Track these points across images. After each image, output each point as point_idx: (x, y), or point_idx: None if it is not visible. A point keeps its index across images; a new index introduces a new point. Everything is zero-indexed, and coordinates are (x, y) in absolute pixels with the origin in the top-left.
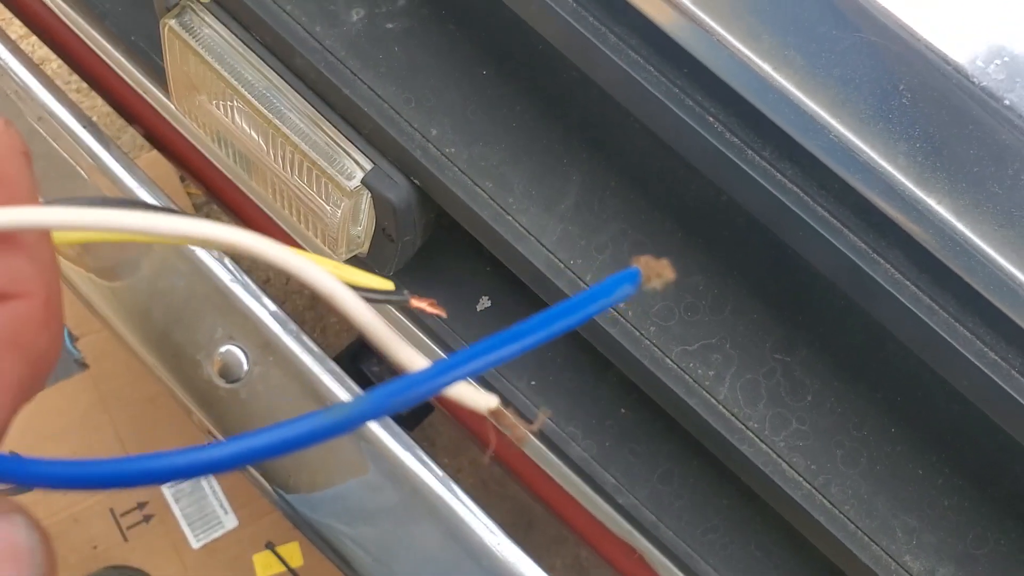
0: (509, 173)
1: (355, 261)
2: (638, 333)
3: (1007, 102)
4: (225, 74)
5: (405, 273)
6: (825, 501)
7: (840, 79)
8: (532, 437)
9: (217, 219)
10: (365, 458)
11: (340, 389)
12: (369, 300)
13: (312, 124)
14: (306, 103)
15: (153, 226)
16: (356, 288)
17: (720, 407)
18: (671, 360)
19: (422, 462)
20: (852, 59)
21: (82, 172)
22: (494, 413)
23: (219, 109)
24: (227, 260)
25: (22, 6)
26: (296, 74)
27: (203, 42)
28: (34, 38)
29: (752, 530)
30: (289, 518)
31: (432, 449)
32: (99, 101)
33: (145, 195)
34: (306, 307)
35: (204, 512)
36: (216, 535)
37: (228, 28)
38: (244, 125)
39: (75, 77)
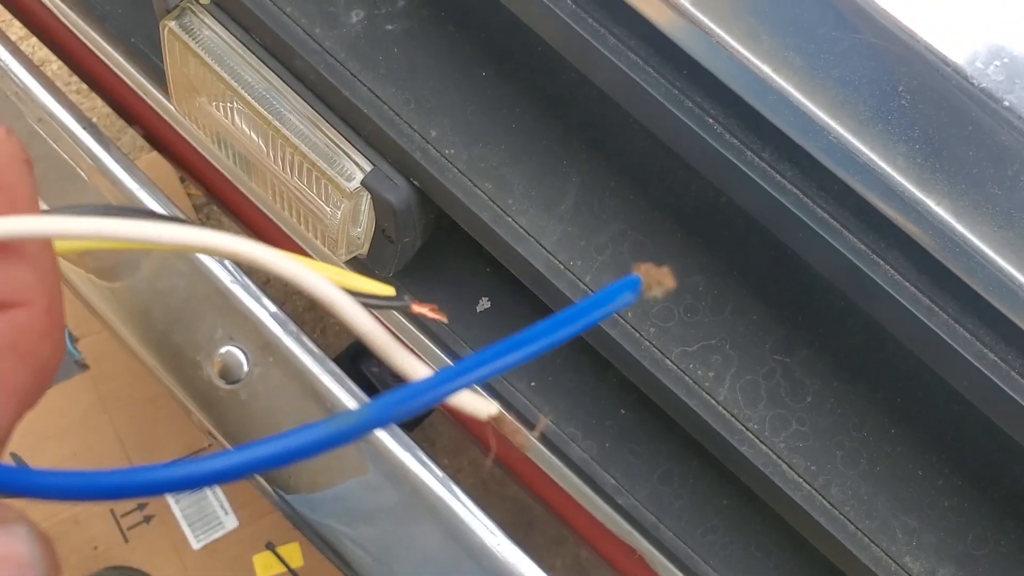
0: (509, 174)
1: (355, 262)
2: (638, 334)
3: (1006, 103)
4: (225, 76)
5: (405, 274)
6: (825, 502)
7: (839, 80)
8: (532, 441)
9: (217, 220)
10: (365, 459)
11: (340, 390)
12: (370, 306)
13: (312, 126)
14: (306, 105)
15: (153, 235)
16: (357, 294)
17: (720, 408)
18: (671, 361)
19: (422, 463)
20: (851, 60)
21: (82, 173)
22: (495, 419)
23: (219, 111)
24: (227, 261)
25: (22, 7)
26: (296, 76)
27: (203, 44)
28: (34, 39)
29: (752, 531)
30: (289, 518)
31: (432, 449)
32: (99, 102)
33: (145, 196)
34: (306, 308)
35: (204, 513)
36: (216, 535)
37: (228, 30)
38: (244, 127)
39: (75, 78)
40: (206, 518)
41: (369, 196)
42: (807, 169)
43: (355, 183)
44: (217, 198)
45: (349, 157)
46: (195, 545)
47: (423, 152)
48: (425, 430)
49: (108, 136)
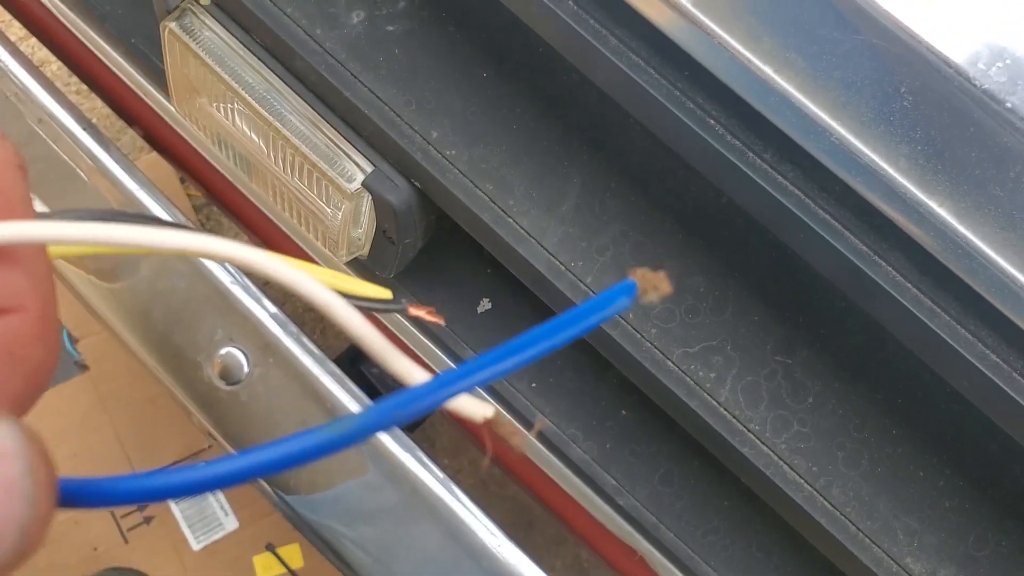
0: (510, 175)
1: (356, 263)
2: (639, 335)
3: (1009, 105)
4: (225, 76)
5: (406, 275)
6: (826, 503)
7: (841, 81)
8: (531, 442)
9: (217, 221)
10: (365, 459)
11: (340, 391)
12: (367, 309)
13: (312, 126)
14: (306, 105)
15: (147, 240)
16: (353, 297)
17: (721, 409)
18: (672, 362)
19: (422, 463)
20: (853, 61)
21: (82, 174)
22: (491, 421)
23: (219, 111)
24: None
25: (22, 8)
26: (296, 76)
27: (203, 44)
28: (33, 40)
29: (753, 531)
30: (289, 519)
31: (432, 450)
32: (99, 103)
33: (145, 197)
34: (306, 309)
35: (204, 514)
36: (216, 536)
37: (228, 30)
38: (244, 127)
39: (74, 79)
40: (206, 519)
41: (370, 197)
42: (809, 170)
43: (356, 184)
44: (217, 199)
45: (350, 158)
46: (195, 546)
47: (424, 153)
48: (425, 430)
49: (108, 137)
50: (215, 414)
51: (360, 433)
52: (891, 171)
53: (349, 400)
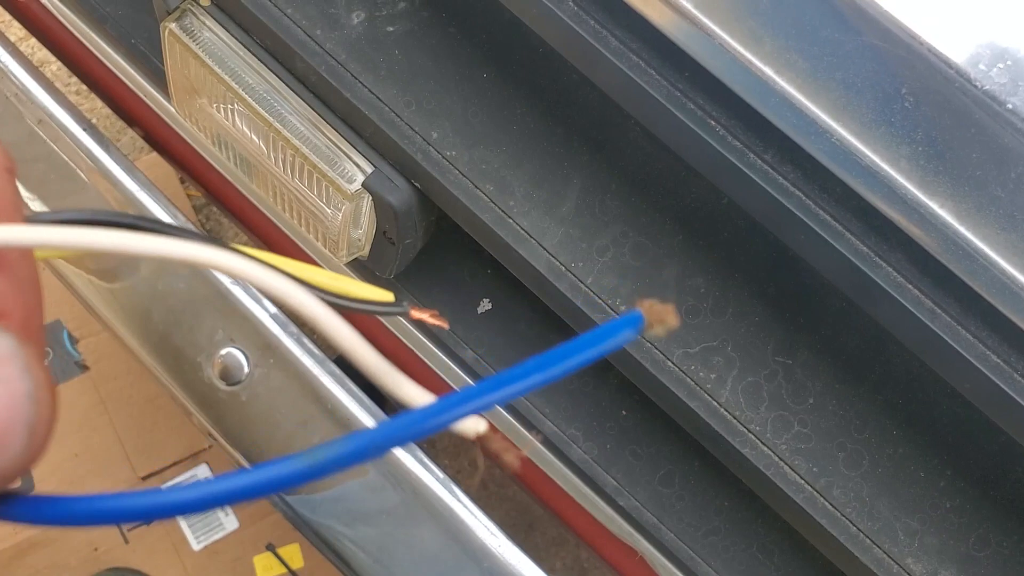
0: (510, 176)
1: (356, 264)
2: (639, 336)
3: (1010, 106)
4: (225, 77)
5: (406, 276)
6: (827, 503)
7: (842, 83)
8: (529, 449)
9: (217, 221)
10: None
11: (340, 391)
12: (368, 312)
13: (313, 127)
14: (307, 106)
15: (132, 246)
16: (355, 300)
17: (722, 410)
18: (672, 363)
19: (422, 463)
20: (854, 63)
21: (82, 174)
22: (483, 438)
23: (219, 112)
24: None
25: (22, 9)
26: (297, 77)
27: (203, 45)
28: (33, 40)
29: (753, 532)
30: (289, 519)
31: (432, 450)
32: (99, 103)
33: (144, 198)
34: None
35: (205, 514)
36: (217, 537)
37: (228, 31)
38: (245, 128)
39: (74, 79)
40: (206, 519)
41: (370, 198)
42: (810, 171)
43: (356, 185)
44: (217, 199)
45: (350, 159)
46: (195, 546)
47: (424, 154)
48: None
49: (108, 137)
50: (215, 414)
51: (340, 463)
52: (892, 172)
53: (349, 401)
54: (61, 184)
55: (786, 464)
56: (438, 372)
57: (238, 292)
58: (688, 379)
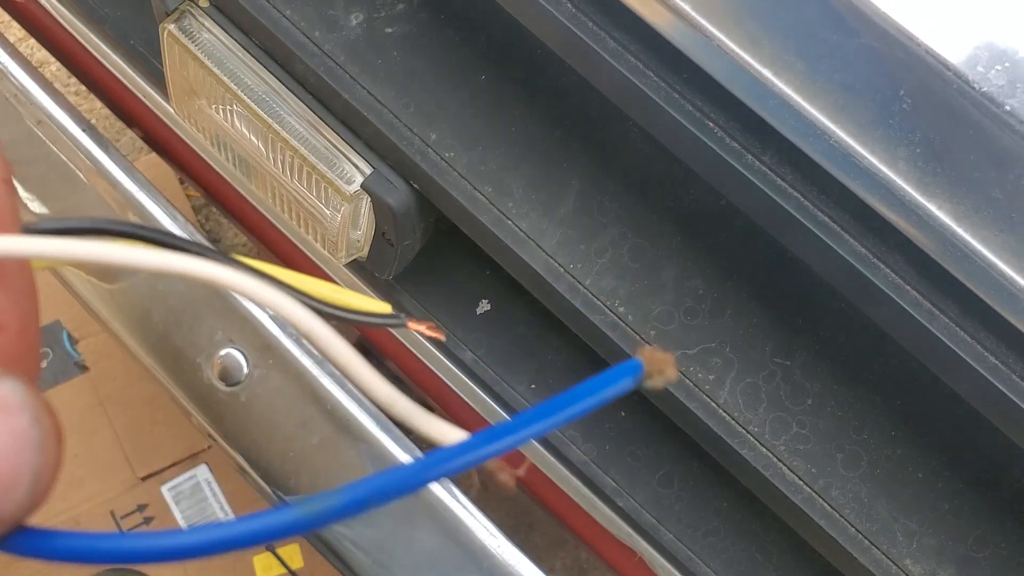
0: (508, 177)
1: (355, 265)
2: (638, 337)
3: (1008, 107)
4: (224, 79)
5: (404, 277)
6: (825, 504)
7: (840, 84)
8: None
9: (217, 221)
10: (364, 460)
11: (340, 392)
12: (367, 324)
13: (312, 128)
14: (305, 107)
15: (129, 259)
16: (353, 311)
17: (720, 411)
18: None
19: None
20: (852, 64)
21: (81, 175)
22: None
23: (218, 113)
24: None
25: (21, 10)
26: (295, 79)
27: (202, 47)
28: (32, 40)
29: (752, 533)
30: None
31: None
32: (98, 104)
33: (144, 198)
34: None
35: (204, 514)
36: None
37: (227, 33)
38: (244, 129)
39: (74, 80)
40: (206, 519)
41: (369, 199)
42: (808, 173)
43: (355, 186)
44: (216, 200)
45: (349, 160)
46: None
47: (423, 155)
48: None
49: (107, 138)
50: (214, 415)
51: (325, 518)
52: (890, 174)
53: (349, 401)
54: (60, 184)
55: (784, 465)
56: (437, 373)
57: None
58: (687, 380)
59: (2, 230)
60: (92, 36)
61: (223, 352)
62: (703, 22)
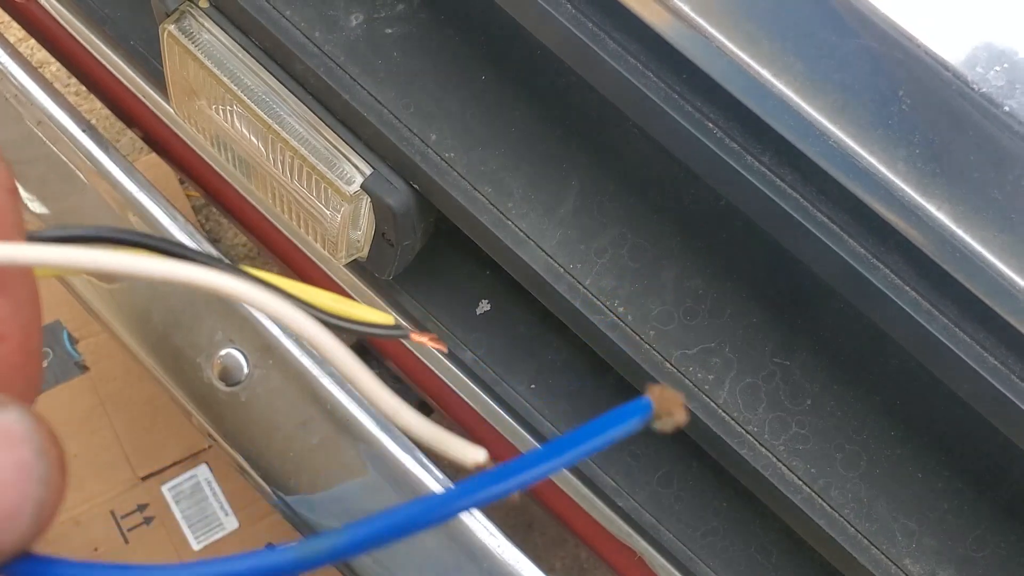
0: (508, 178)
1: (355, 265)
2: (638, 337)
3: (1007, 108)
4: (224, 79)
5: (404, 277)
6: (825, 504)
7: (839, 85)
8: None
9: (217, 222)
10: (364, 460)
11: (340, 392)
12: (370, 334)
13: (312, 129)
14: (305, 108)
15: (134, 268)
16: (356, 322)
17: (720, 411)
18: (671, 364)
19: (422, 464)
20: (851, 65)
21: (81, 175)
22: (481, 468)
23: (218, 114)
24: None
25: (21, 10)
26: (295, 79)
27: (202, 47)
28: (32, 40)
29: (751, 533)
30: (289, 520)
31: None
32: (98, 104)
33: (144, 198)
34: None
35: (205, 514)
36: (217, 537)
37: (227, 33)
38: (244, 130)
39: (74, 80)
40: (207, 519)
41: (369, 199)
42: (807, 173)
43: (355, 186)
44: (216, 200)
45: (349, 160)
46: (195, 546)
47: (423, 156)
48: None
49: (107, 138)
50: (215, 415)
51: (316, 561)
52: (889, 174)
53: (349, 401)
54: (60, 185)
55: (784, 465)
56: (437, 373)
57: None
58: (686, 380)
59: (6, 238)
60: (92, 36)
61: (223, 352)
62: (702, 23)
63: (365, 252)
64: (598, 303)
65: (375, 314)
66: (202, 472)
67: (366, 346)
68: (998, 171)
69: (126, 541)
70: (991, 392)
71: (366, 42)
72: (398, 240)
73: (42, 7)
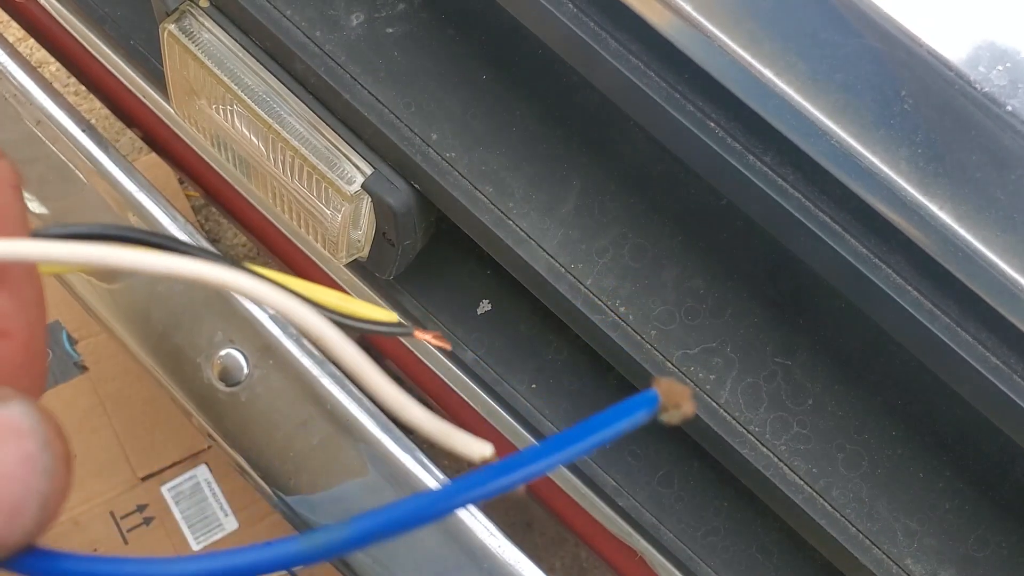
0: (509, 177)
1: (355, 265)
2: (639, 337)
3: (1009, 108)
4: (225, 79)
5: (405, 277)
6: (826, 504)
7: (842, 84)
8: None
9: (217, 222)
10: (364, 460)
11: (340, 392)
12: (373, 332)
13: (312, 129)
14: (306, 108)
15: (139, 263)
16: (359, 320)
17: (721, 411)
18: (672, 364)
19: (422, 464)
20: (854, 64)
21: (81, 175)
22: (487, 462)
23: (219, 113)
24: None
25: (21, 9)
26: (296, 79)
27: (203, 47)
28: (32, 40)
29: (752, 532)
30: (289, 520)
31: (432, 451)
32: (98, 104)
33: (143, 198)
34: None
35: (204, 514)
36: (216, 537)
37: (228, 33)
38: (244, 129)
39: (73, 79)
40: (206, 520)
41: (370, 199)
42: (809, 173)
43: (355, 186)
44: (216, 200)
45: (349, 160)
46: (195, 547)
47: (424, 155)
48: None
49: (107, 138)
50: (215, 415)
51: (355, 542)
52: (892, 174)
53: (349, 402)
54: (60, 185)
55: (785, 465)
56: (438, 373)
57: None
58: (687, 380)
59: (10, 234)
60: (92, 36)
61: (223, 352)
62: (704, 22)
63: (366, 252)
64: (599, 303)
65: (378, 311)
66: (202, 472)
67: (367, 346)
68: (1000, 171)
69: (125, 542)
70: (993, 392)
71: (367, 41)
72: (399, 240)
73: (41, 6)
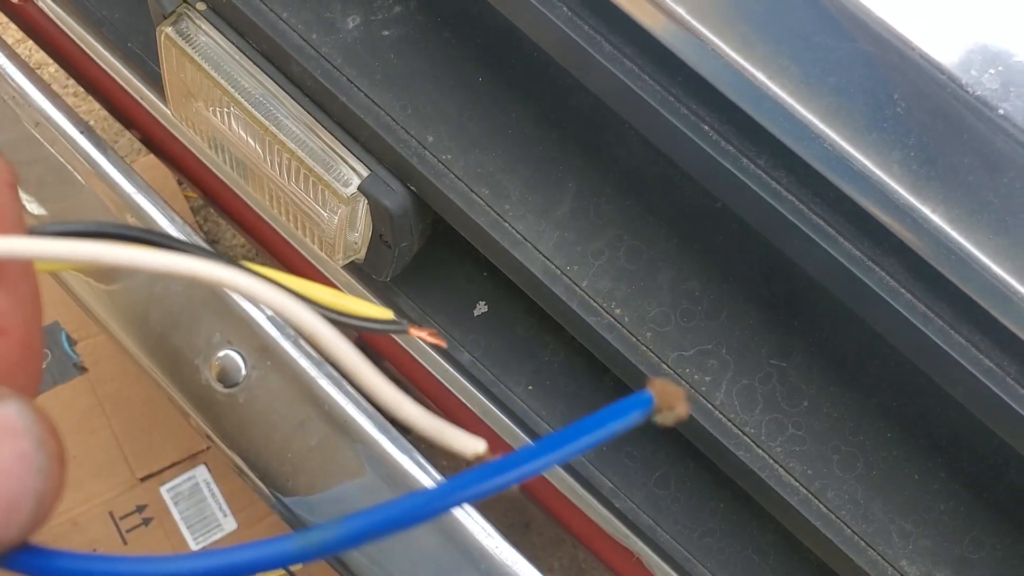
0: (505, 180)
1: (352, 267)
2: (634, 339)
3: (1001, 111)
4: (222, 81)
5: (402, 279)
6: (821, 506)
7: (835, 88)
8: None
9: (215, 222)
10: (362, 461)
11: (338, 393)
12: (368, 329)
13: (309, 131)
14: (303, 110)
15: (139, 260)
16: (354, 317)
17: (716, 412)
18: (667, 365)
19: (419, 465)
20: (846, 68)
21: (79, 177)
22: (482, 459)
23: (216, 116)
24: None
25: (19, 12)
26: (293, 81)
27: (200, 49)
28: (31, 42)
29: (748, 534)
30: (287, 521)
31: (430, 451)
32: (96, 105)
33: (142, 200)
34: None
35: (203, 515)
36: (215, 538)
37: (224, 35)
38: (241, 132)
39: (72, 81)
40: (205, 520)
41: (366, 201)
42: (803, 176)
43: (352, 188)
44: (214, 202)
45: (346, 162)
46: (194, 547)
47: (420, 158)
48: None
49: (105, 140)
50: (213, 416)
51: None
52: (884, 177)
53: (347, 403)
54: (58, 186)
55: (781, 466)
56: (435, 374)
57: (235, 295)
58: (683, 382)
59: (7, 232)
60: (90, 38)
61: (221, 354)
62: (698, 26)
63: (362, 254)
64: (595, 305)
65: (373, 308)
66: (200, 473)
67: (363, 346)
68: (993, 174)
69: (124, 542)
70: (986, 394)
71: (363, 44)
72: (395, 242)
73: (40, 9)
